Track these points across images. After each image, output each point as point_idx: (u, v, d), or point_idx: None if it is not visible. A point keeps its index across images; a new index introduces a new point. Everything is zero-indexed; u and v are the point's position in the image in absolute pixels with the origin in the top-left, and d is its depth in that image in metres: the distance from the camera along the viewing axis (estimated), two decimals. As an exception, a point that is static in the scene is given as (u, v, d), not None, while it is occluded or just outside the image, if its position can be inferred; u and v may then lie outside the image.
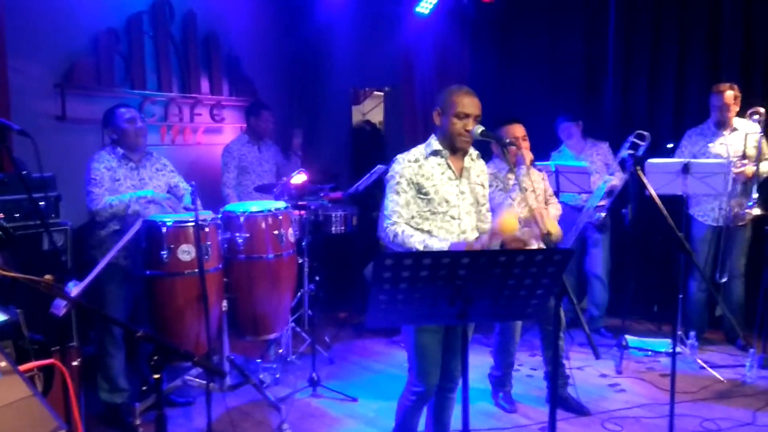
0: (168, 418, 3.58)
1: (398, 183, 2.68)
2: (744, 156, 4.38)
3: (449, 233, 2.70)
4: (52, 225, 3.36)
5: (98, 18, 4.76)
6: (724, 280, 4.48)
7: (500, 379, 3.85)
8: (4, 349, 2.04)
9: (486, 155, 3.39)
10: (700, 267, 4.52)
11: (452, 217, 2.70)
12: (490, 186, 3.43)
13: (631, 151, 4.49)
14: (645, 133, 4.53)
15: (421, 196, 2.68)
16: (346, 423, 3.65)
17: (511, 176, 3.47)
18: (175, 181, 3.79)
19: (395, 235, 2.63)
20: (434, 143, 2.74)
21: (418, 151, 2.75)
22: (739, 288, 4.63)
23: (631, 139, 4.56)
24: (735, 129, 4.49)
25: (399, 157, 2.75)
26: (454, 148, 2.72)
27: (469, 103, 2.65)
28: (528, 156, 3.42)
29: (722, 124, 4.50)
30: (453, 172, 2.73)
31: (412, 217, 2.69)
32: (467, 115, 2.65)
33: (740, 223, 4.49)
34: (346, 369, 4.47)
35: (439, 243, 2.59)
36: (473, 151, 2.84)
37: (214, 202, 4.37)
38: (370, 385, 4.13)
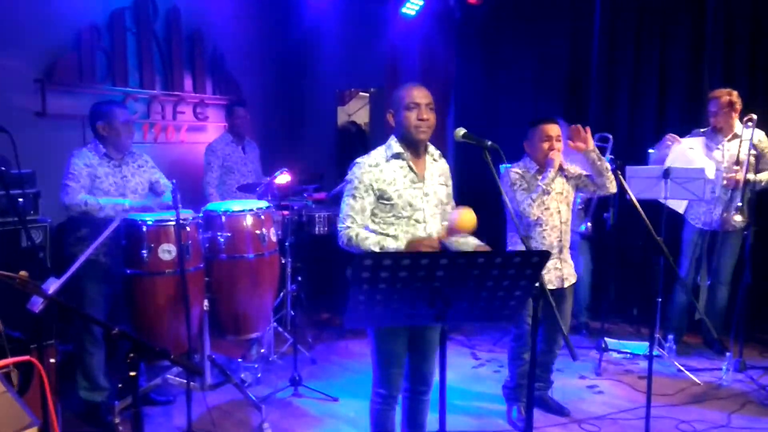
0: (148, 416, 3.62)
1: (356, 188, 2.63)
2: (737, 162, 4.35)
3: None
4: (31, 222, 3.34)
5: (80, 14, 4.72)
6: (708, 283, 4.49)
7: (513, 392, 3.69)
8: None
9: (516, 153, 3.39)
10: (682, 271, 4.57)
11: (417, 221, 2.64)
12: (514, 185, 3.41)
13: (611, 156, 4.52)
14: (608, 135, 4.59)
15: (384, 202, 2.62)
16: (327, 423, 3.65)
17: (539, 177, 3.41)
18: (156, 178, 3.77)
19: (349, 239, 2.60)
20: (394, 145, 2.68)
21: (379, 154, 2.69)
22: (725, 294, 4.64)
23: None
24: (736, 135, 4.43)
25: (359, 160, 2.69)
26: (413, 142, 2.65)
27: (417, 94, 2.62)
28: (557, 159, 3.35)
29: (719, 130, 4.50)
30: (415, 174, 2.66)
31: (375, 222, 2.64)
32: (417, 105, 2.61)
33: (731, 230, 4.47)
34: (327, 369, 4.47)
35: (395, 243, 2.55)
36: (434, 151, 2.79)
37: (197, 201, 4.34)
38: (351, 386, 4.13)
